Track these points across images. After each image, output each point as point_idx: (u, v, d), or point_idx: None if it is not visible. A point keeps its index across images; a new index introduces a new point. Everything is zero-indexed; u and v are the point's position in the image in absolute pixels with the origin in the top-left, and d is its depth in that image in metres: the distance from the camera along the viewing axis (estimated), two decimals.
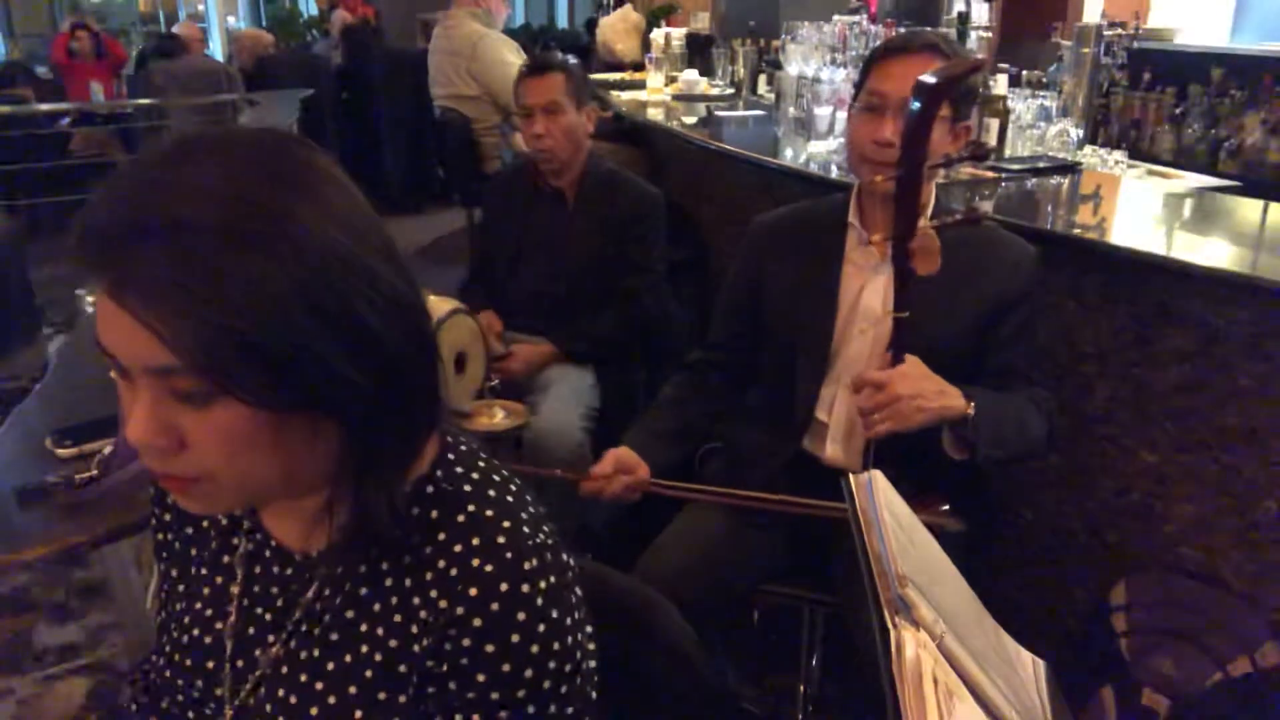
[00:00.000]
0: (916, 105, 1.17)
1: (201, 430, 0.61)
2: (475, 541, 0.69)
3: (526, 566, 0.69)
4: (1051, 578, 1.86)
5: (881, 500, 0.77)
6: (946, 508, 1.41)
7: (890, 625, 0.65)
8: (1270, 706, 1.17)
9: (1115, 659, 1.28)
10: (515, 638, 0.67)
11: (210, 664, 0.78)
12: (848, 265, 1.55)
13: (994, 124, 2.35)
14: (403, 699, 0.70)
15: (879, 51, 1.51)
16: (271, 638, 0.76)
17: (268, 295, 0.58)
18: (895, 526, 0.75)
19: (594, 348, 2.27)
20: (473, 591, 0.67)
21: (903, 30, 1.60)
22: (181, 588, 0.83)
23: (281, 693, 0.73)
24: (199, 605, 0.80)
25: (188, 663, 0.79)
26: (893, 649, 0.64)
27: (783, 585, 1.59)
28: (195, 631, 0.79)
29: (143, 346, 0.58)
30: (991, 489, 1.65)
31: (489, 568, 0.68)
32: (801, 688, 1.81)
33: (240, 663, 0.76)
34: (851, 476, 0.80)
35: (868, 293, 1.52)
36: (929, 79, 1.16)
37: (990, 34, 2.81)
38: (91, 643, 2.23)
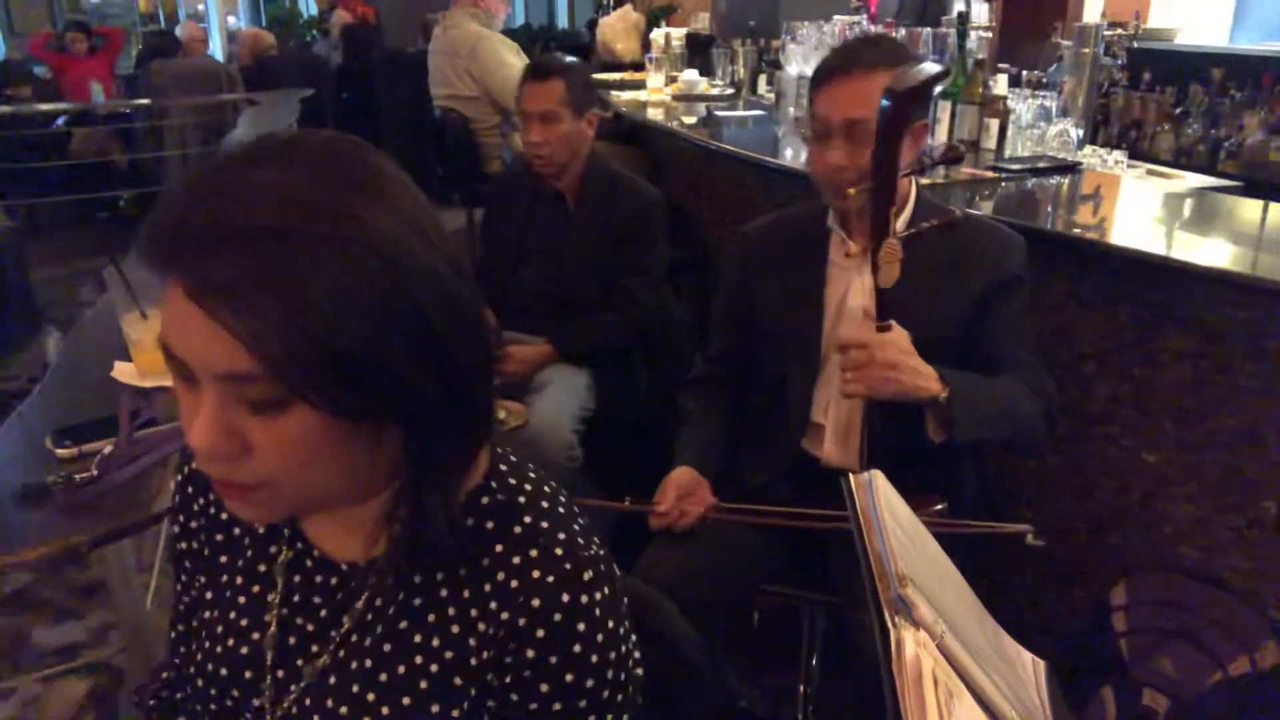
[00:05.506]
0: (880, 129, 1.16)
1: (269, 438, 0.61)
2: (533, 554, 0.70)
3: (585, 577, 0.69)
4: (1051, 578, 1.86)
5: (881, 500, 0.77)
6: (940, 507, 1.41)
7: (890, 625, 0.65)
8: (1270, 706, 1.17)
9: (1115, 659, 1.28)
10: (577, 648, 0.68)
11: (248, 674, 0.76)
12: (831, 269, 1.55)
13: (994, 124, 2.36)
14: (456, 712, 0.70)
15: (819, 74, 1.46)
16: (316, 647, 0.75)
17: (349, 300, 0.57)
18: (895, 526, 0.75)
19: (594, 348, 2.26)
20: (535, 603, 0.68)
21: (854, 39, 1.53)
22: (209, 595, 0.82)
23: (330, 703, 0.73)
24: (233, 614, 0.78)
25: (223, 672, 0.77)
26: (893, 649, 0.64)
27: (783, 585, 1.59)
28: (230, 641, 0.77)
29: (221, 352, 0.57)
30: (991, 489, 1.65)
31: (550, 579, 0.68)
32: (801, 688, 1.81)
33: (281, 672, 0.75)
34: (851, 476, 0.80)
35: (853, 294, 1.52)
36: (887, 98, 1.15)
37: (990, 34, 2.81)
38: (91, 643, 2.23)
